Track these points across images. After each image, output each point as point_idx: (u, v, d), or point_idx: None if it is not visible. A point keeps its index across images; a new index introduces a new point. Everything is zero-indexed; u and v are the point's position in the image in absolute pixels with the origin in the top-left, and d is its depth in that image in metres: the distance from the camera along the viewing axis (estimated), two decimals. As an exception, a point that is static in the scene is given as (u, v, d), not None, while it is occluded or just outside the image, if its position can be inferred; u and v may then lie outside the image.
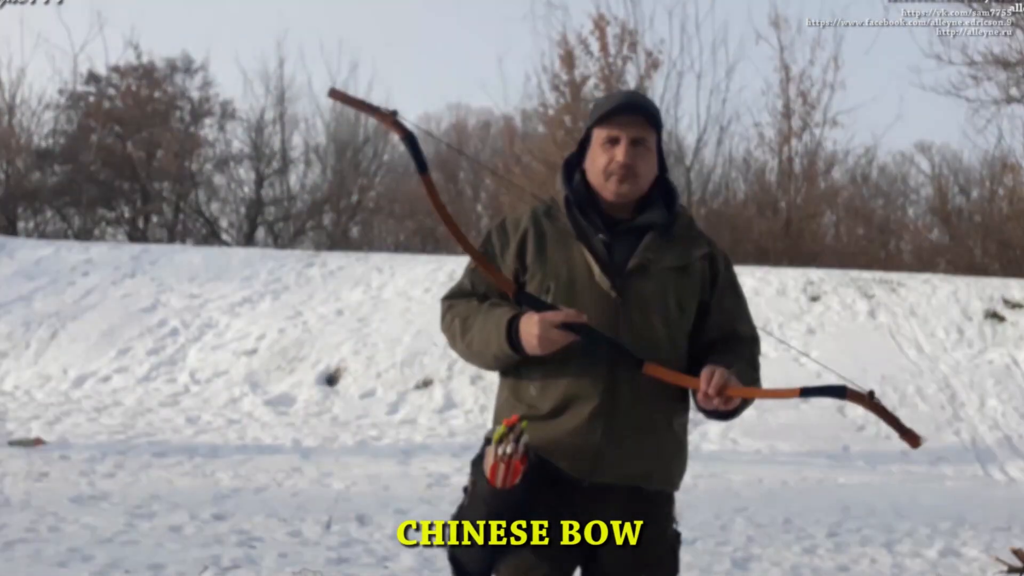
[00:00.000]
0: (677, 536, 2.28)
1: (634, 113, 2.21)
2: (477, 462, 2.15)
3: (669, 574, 2.25)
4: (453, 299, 2.29)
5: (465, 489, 2.19)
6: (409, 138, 2.12)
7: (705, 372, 2.07)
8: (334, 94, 2.16)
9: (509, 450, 2.06)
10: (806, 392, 2.06)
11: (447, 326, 2.27)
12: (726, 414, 2.17)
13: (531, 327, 2.07)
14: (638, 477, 2.17)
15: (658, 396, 2.17)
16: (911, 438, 2.05)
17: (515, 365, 2.21)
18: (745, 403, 2.16)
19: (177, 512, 5.54)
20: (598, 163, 2.22)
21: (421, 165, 2.12)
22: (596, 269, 2.17)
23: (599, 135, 2.22)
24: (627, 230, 2.22)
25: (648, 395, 2.15)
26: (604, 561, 2.18)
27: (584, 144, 2.30)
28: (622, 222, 2.23)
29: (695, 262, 2.23)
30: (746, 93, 48.35)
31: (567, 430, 2.14)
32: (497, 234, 2.26)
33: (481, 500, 2.11)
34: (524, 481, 2.07)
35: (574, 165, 2.31)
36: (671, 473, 2.26)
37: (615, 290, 2.15)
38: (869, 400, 2.00)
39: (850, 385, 2.02)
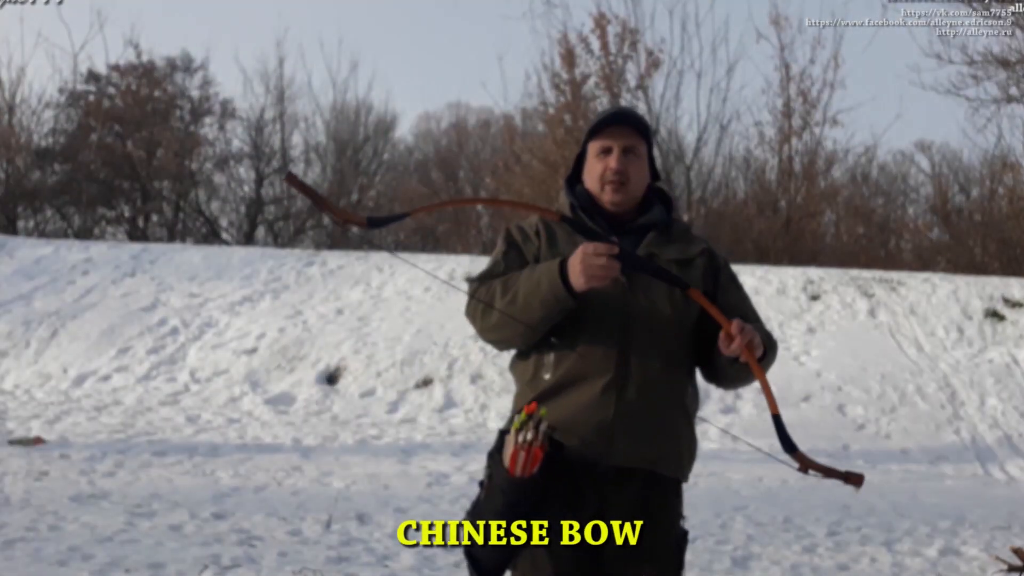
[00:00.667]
0: (684, 534, 2.33)
1: (624, 124, 2.36)
2: (494, 454, 2.19)
3: (674, 570, 2.29)
4: (483, 278, 2.33)
5: (481, 484, 2.22)
6: (372, 223, 2.19)
7: (737, 320, 2.15)
8: (290, 179, 2.17)
9: (530, 437, 2.09)
10: (777, 419, 2.21)
11: (483, 294, 2.28)
12: (742, 370, 2.22)
13: (575, 261, 2.14)
14: (651, 460, 2.21)
15: (670, 373, 2.23)
16: (854, 479, 2.17)
17: (528, 350, 2.28)
18: (764, 359, 2.23)
19: (177, 511, 5.54)
20: (594, 172, 2.37)
21: (400, 217, 2.30)
22: None
23: (593, 147, 2.39)
24: (630, 230, 2.35)
25: (660, 372, 2.21)
26: (609, 552, 2.20)
27: (580, 160, 2.45)
28: (625, 223, 2.36)
29: (695, 257, 2.35)
30: (746, 92, 48.53)
31: (580, 405, 2.19)
32: (516, 230, 2.40)
33: (499, 491, 2.14)
34: (542, 469, 2.10)
35: (575, 181, 2.45)
36: (681, 458, 2.30)
37: (624, 275, 2.22)
38: (805, 467, 2.17)
39: (800, 449, 2.20)
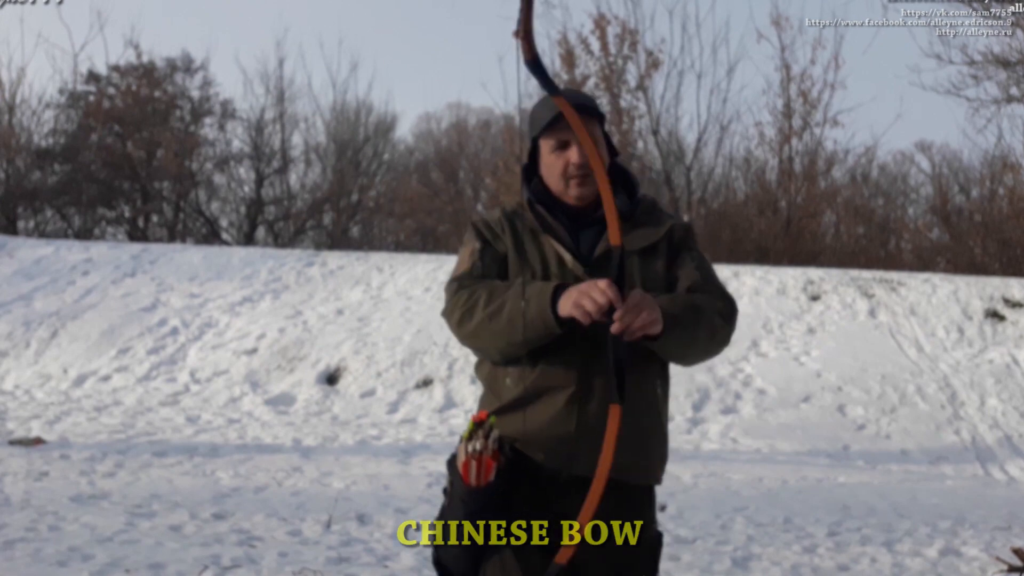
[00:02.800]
0: (659, 537, 2.22)
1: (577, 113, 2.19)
2: (452, 462, 2.14)
3: (648, 573, 2.19)
4: (463, 279, 2.23)
5: (445, 491, 2.18)
6: (533, 64, 2.00)
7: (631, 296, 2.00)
8: None
9: (479, 446, 2.05)
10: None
11: (465, 299, 2.17)
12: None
13: (574, 289, 2.03)
14: (617, 469, 2.10)
15: (636, 377, 2.12)
16: None
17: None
18: (667, 331, 2.06)
19: (177, 511, 5.53)
20: (555, 169, 2.24)
21: (552, 88, 2.03)
22: (567, 256, 2.19)
23: (547, 144, 2.24)
24: (591, 221, 2.24)
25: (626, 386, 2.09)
26: (578, 560, 2.12)
27: (533, 153, 2.31)
28: (586, 215, 2.25)
29: (660, 242, 2.24)
30: (747, 92, 48.67)
31: (542, 420, 2.13)
32: (485, 227, 2.29)
33: (459, 500, 2.10)
34: (499, 478, 2.06)
35: (531, 172, 2.33)
36: (652, 465, 2.22)
37: (588, 275, 2.15)
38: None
39: None
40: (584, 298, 1.99)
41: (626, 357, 2.04)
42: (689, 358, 2.22)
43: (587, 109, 2.22)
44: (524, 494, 2.12)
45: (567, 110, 2.07)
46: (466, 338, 2.20)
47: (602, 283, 1.99)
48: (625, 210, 2.24)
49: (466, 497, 2.07)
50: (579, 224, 2.24)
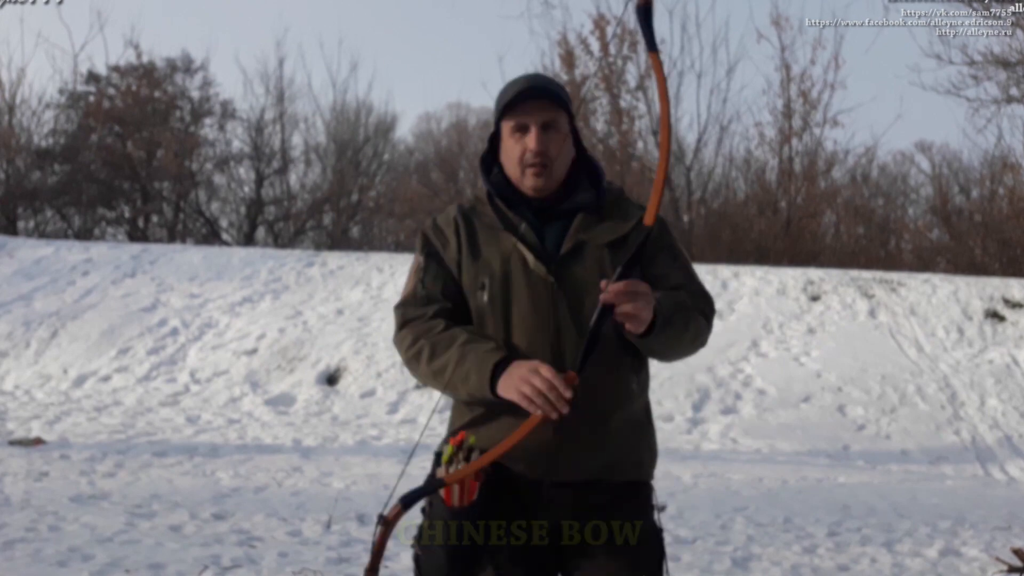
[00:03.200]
0: (658, 532, 2.13)
1: (540, 97, 2.07)
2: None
3: (653, 566, 2.11)
4: (407, 307, 2.14)
5: (423, 511, 2.11)
6: (645, 9, 1.94)
7: (625, 283, 1.89)
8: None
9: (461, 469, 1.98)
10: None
11: (408, 345, 2.09)
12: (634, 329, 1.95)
13: (517, 374, 1.93)
14: (601, 470, 2.06)
15: (611, 376, 2.05)
16: None
17: None
18: (657, 331, 1.97)
19: (177, 511, 5.53)
20: (512, 155, 2.10)
21: (652, 43, 1.95)
22: (530, 257, 2.08)
23: (507, 127, 2.10)
24: (556, 215, 2.12)
25: (599, 383, 2.01)
26: (576, 562, 2.08)
27: (495, 140, 2.18)
28: (550, 208, 2.12)
29: (630, 234, 2.09)
30: (747, 92, 48.73)
31: (516, 428, 2.02)
32: (434, 233, 2.17)
33: (441, 520, 2.04)
34: (480, 494, 1.99)
35: (490, 162, 2.19)
36: (640, 460, 2.14)
37: (551, 275, 2.06)
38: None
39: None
40: (525, 386, 1.89)
41: (601, 333, 1.92)
42: (670, 357, 2.15)
43: (551, 95, 2.10)
44: (507, 506, 2.04)
45: (658, 68, 1.98)
46: (416, 377, 2.15)
47: (544, 371, 1.90)
48: (591, 203, 2.13)
49: (449, 517, 2.01)
50: (543, 218, 2.11)
